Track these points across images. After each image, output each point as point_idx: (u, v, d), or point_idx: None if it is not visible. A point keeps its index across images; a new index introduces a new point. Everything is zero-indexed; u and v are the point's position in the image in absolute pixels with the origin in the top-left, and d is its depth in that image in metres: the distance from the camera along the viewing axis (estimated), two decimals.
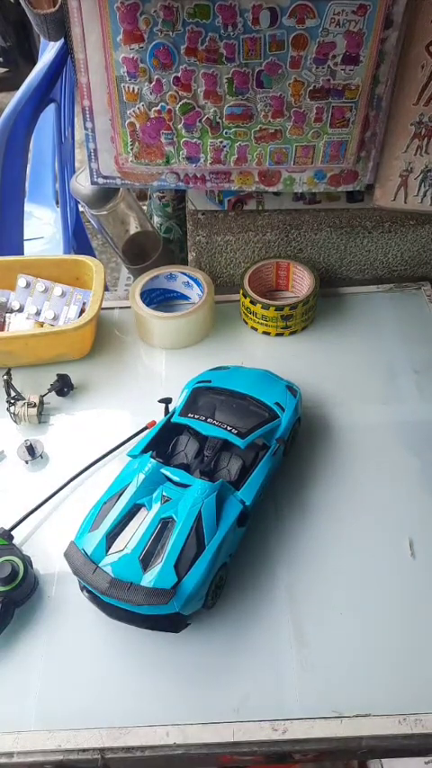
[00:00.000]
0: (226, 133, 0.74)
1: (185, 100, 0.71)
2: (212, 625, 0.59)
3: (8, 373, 0.79)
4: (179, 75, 0.70)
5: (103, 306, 0.84)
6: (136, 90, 0.71)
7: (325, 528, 0.66)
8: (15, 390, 0.78)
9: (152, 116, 0.73)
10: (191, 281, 0.91)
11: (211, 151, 0.76)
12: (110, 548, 0.56)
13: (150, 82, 0.70)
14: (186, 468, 0.65)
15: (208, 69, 0.69)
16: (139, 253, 1.00)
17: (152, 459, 0.62)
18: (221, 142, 0.75)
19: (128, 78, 0.70)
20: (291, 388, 0.74)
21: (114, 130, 0.75)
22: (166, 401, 0.72)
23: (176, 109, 0.72)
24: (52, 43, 1.14)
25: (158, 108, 0.72)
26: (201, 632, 0.59)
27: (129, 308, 0.89)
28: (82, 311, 0.88)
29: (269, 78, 0.70)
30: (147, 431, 0.72)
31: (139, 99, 0.72)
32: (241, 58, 0.68)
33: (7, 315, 0.90)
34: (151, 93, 0.71)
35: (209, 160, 0.77)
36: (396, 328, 0.89)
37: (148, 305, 0.86)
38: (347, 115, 0.73)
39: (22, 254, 1.27)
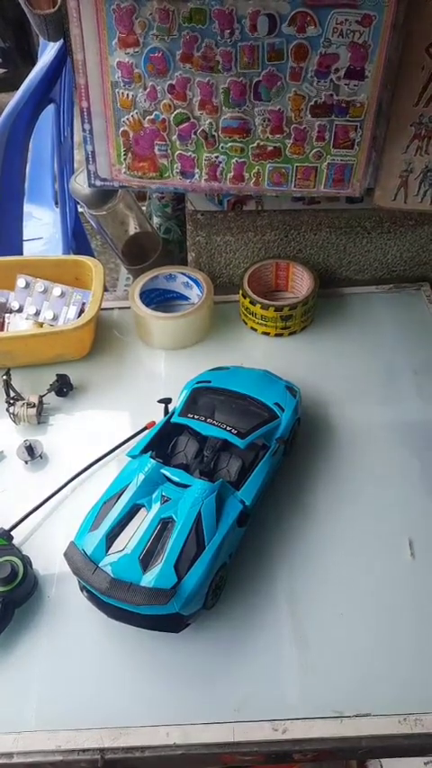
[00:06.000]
0: (222, 147, 0.71)
1: (180, 109, 0.70)
2: (212, 625, 0.59)
3: (7, 373, 0.79)
4: (174, 82, 0.68)
5: (102, 306, 0.84)
6: (130, 96, 0.70)
7: (325, 528, 0.67)
8: (15, 390, 0.78)
9: (146, 125, 0.71)
10: (190, 282, 0.91)
11: (206, 167, 0.73)
12: (110, 548, 0.56)
13: (145, 89, 0.69)
14: (186, 468, 0.65)
15: (203, 78, 0.67)
16: (138, 253, 1.00)
17: (152, 460, 0.62)
18: (217, 157, 0.72)
19: (122, 84, 0.69)
20: (290, 389, 0.74)
21: (108, 139, 0.73)
22: (166, 401, 0.72)
23: (171, 119, 0.70)
24: (51, 44, 1.14)
25: (152, 117, 0.71)
26: (201, 632, 0.59)
27: (128, 308, 0.89)
28: (81, 311, 0.87)
29: (267, 90, 0.67)
30: (146, 431, 0.72)
31: (133, 106, 0.70)
32: (238, 67, 0.66)
33: (6, 315, 0.90)
34: (145, 101, 0.69)
35: (203, 176, 0.74)
36: (395, 329, 0.90)
37: (147, 305, 0.86)
38: (352, 135, 0.70)
39: (22, 254, 1.27)
